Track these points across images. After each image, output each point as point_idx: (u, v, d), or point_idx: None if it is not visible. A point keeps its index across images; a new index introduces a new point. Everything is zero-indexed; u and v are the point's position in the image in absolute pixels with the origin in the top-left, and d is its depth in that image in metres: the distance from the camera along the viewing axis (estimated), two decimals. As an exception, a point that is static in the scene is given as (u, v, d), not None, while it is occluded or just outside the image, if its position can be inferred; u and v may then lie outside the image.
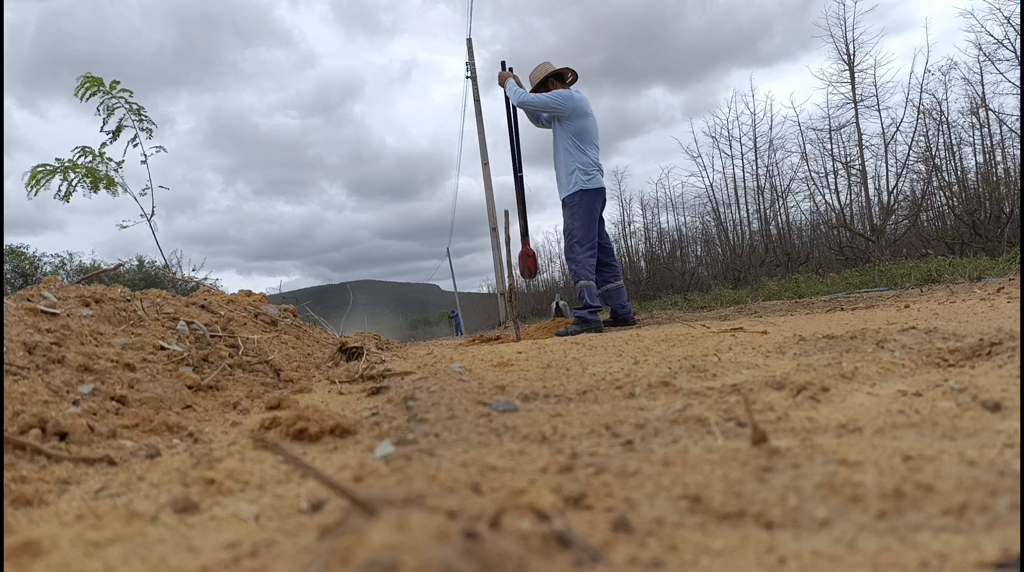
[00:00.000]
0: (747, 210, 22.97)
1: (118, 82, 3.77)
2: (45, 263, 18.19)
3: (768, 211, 20.43)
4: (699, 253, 27.50)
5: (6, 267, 16.76)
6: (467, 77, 16.80)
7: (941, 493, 0.66)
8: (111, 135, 3.80)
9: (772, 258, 17.68)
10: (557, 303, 6.69)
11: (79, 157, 3.62)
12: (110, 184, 3.61)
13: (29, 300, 1.69)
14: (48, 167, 3.50)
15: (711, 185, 22.91)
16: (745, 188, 22.71)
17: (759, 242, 21.01)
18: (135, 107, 3.73)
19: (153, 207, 3.79)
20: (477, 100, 16.30)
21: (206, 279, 25.12)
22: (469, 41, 17.36)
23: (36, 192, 3.37)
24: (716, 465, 0.82)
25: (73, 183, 3.50)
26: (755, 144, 20.51)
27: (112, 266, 21.08)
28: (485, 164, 15.14)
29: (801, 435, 1.00)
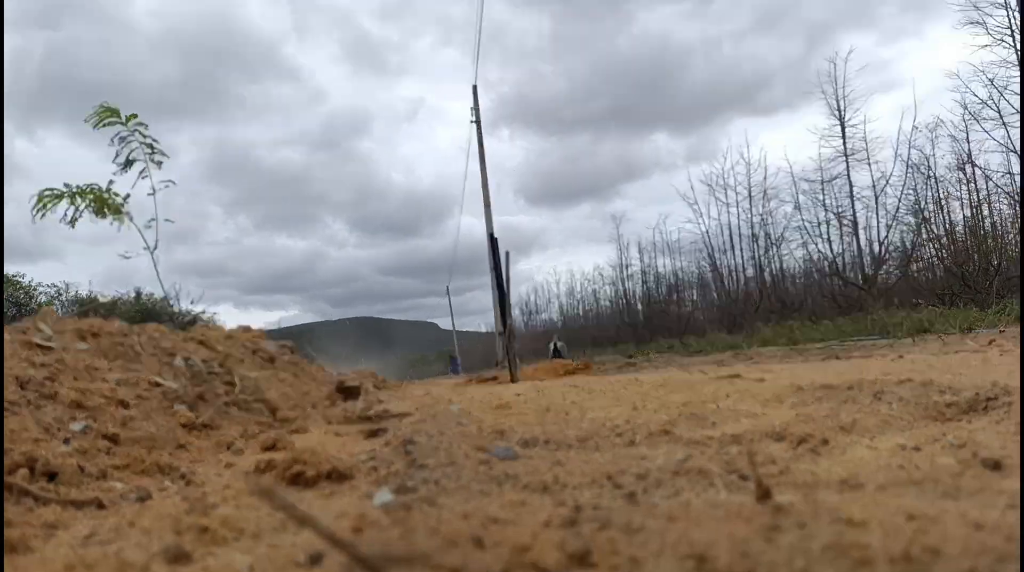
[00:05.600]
0: (742, 256, 23.18)
1: (135, 115, 3.80)
2: (40, 293, 18.03)
3: (763, 258, 20.64)
4: (695, 298, 27.64)
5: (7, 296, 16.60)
6: (472, 122, 17.12)
7: (949, 558, 0.65)
8: (123, 166, 3.82)
9: (767, 304, 17.79)
10: (555, 344, 6.58)
11: (88, 186, 3.63)
12: (116, 212, 3.61)
13: (24, 333, 1.67)
14: (55, 191, 3.51)
15: (707, 231, 23.19)
16: (740, 235, 22.96)
17: (754, 288, 21.15)
18: (149, 140, 3.77)
19: (157, 240, 3.80)
20: (481, 144, 16.55)
21: (203, 313, 25.00)
22: (475, 88, 17.79)
23: (42, 215, 3.37)
24: (721, 522, 0.81)
25: (80, 209, 3.50)
26: (750, 193, 20.86)
27: (110, 299, 20.96)
28: (487, 205, 15.32)
29: (804, 490, 0.99)
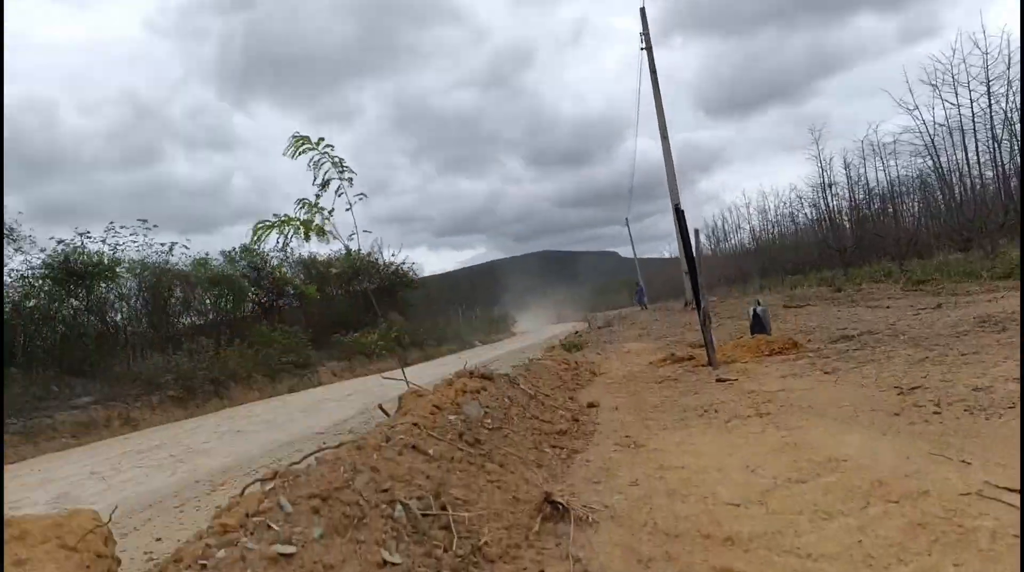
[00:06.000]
0: (978, 158, 19.76)
1: (323, 138, 4.21)
2: (272, 257, 20.57)
3: (1008, 163, 17.36)
4: (915, 211, 24.22)
5: (242, 263, 19.24)
6: (641, 48, 16.19)
7: None
8: (321, 187, 4.27)
9: (1014, 218, 14.97)
10: (755, 310, 5.94)
11: (299, 209, 4.13)
12: (321, 233, 4.06)
13: (262, 512, 1.58)
14: (267, 222, 4.00)
15: (929, 125, 19.79)
16: (974, 131, 19.49)
17: (994, 197, 17.93)
18: (336, 160, 4.17)
19: (359, 247, 4.24)
20: (653, 71, 15.67)
21: (403, 264, 27.29)
22: (642, 10, 16.66)
23: (259, 245, 3.89)
24: None
25: (289, 235, 3.99)
26: (988, 84, 17.42)
27: (326, 258, 23.62)
28: (665, 138, 14.59)
29: None
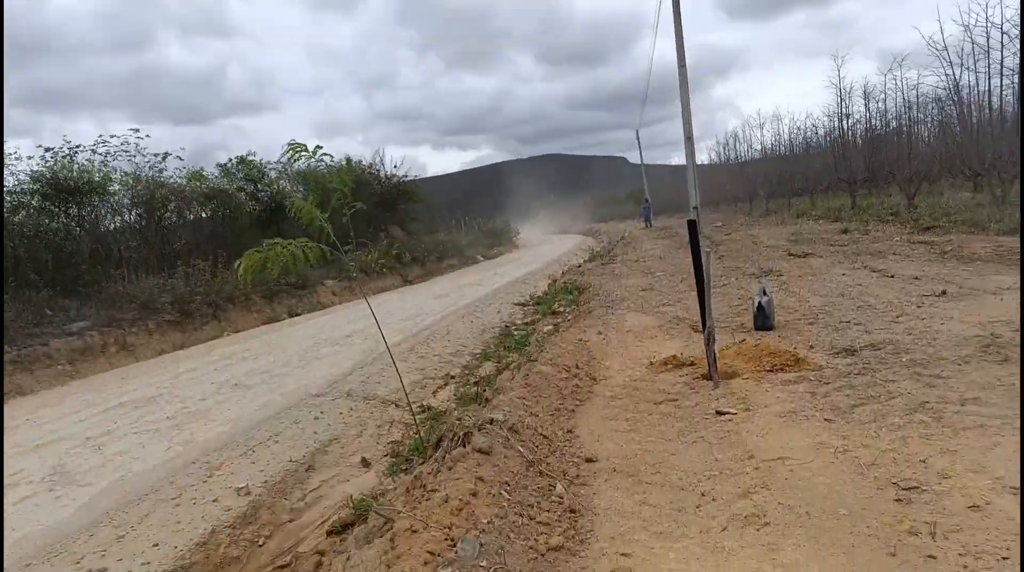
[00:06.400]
0: (1000, 87, 18.94)
1: (320, 146, 4.06)
2: (271, 169, 20.16)
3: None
4: (929, 138, 23.45)
5: (239, 176, 18.88)
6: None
7: None
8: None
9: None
10: (760, 301, 5.75)
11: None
12: (294, 261, 3.97)
13: None
14: (255, 252, 3.88)
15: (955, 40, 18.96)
16: (987, 50, 18.52)
17: (1012, 125, 17.21)
18: (333, 163, 4.10)
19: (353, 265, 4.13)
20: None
21: (406, 176, 26.71)
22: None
23: (250, 277, 3.80)
24: None
25: (279, 262, 3.89)
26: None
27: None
28: (682, 66, 13.78)
29: None
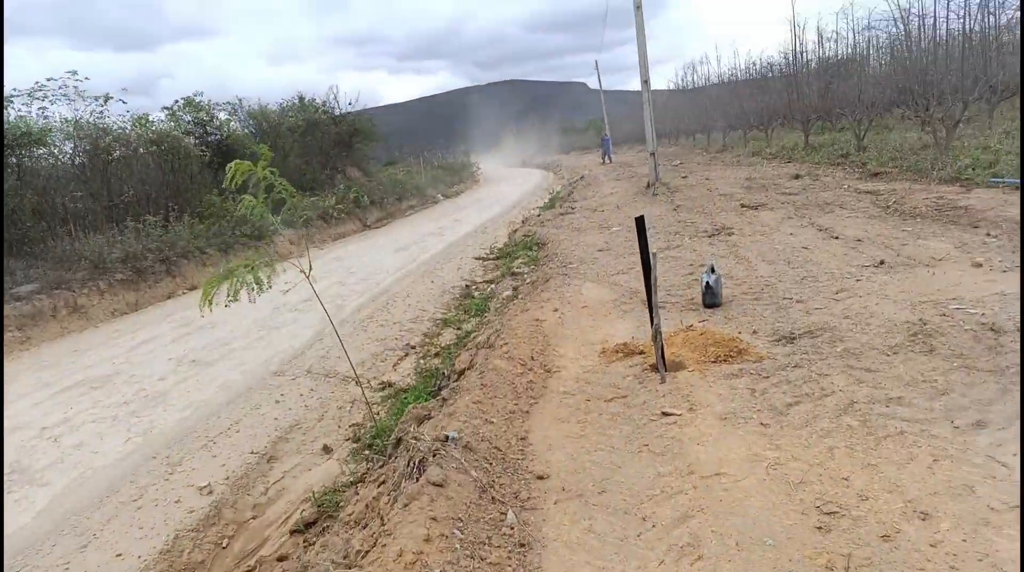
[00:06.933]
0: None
1: (267, 164, 4.01)
2: (219, 109, 19.32)
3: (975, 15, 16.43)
4: (880, 67, 23.56)
5: (186, 119, 18.11)
6: None
7: None
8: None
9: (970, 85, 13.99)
10: (707, 282, 5.92)
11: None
12: (258, 284, 4.00)
13: None
14: (215, 277, 3.86)
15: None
16: None
17: (959, 57, 17.01)
18: (278, 181, 4.10)
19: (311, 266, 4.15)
20: None
21: (362, 113, 25.83)
22: None
23: (210, 305, 3.78)
24: None
25: (237, 286, 3.89)
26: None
27: (279, 109, 22.10)
28: (638, 7, 13.43)
29: None
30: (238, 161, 4.08)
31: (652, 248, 4.06)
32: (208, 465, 4.85)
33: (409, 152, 37.58)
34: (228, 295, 3.82)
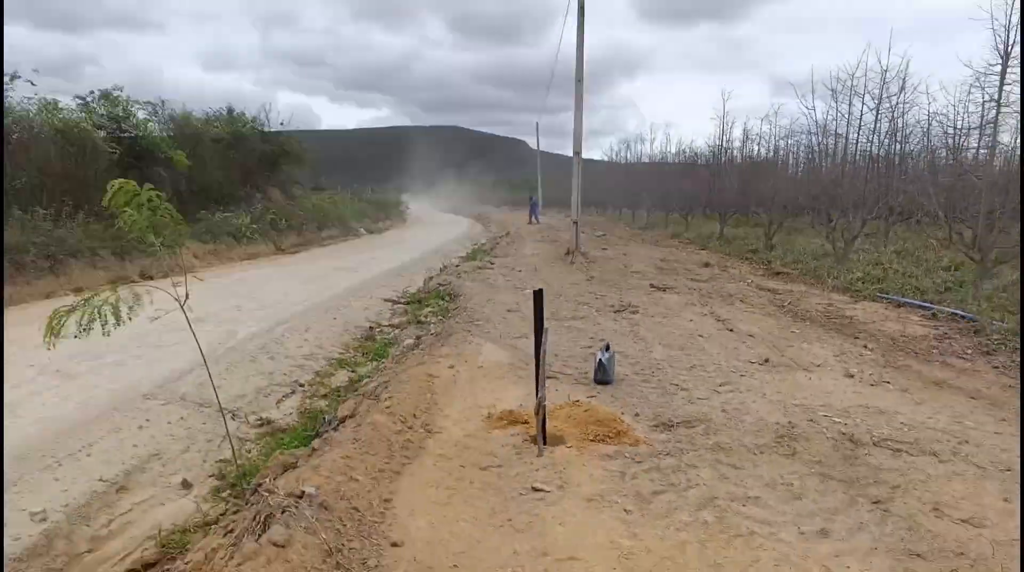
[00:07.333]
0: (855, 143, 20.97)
1: (151, 192, 3.92)
2: (137, 109, 18.48)
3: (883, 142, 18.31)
4: (796, 170, 25.62)
5: (100, 113, 17.25)
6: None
7: None
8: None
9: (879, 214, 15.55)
10: (601, 358, 6.09)
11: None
12: (115, 315, 3.80)
13: None
14: (65, 307, 3.66)
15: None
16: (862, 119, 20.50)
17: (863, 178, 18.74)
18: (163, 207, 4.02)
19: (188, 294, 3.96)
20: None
21: (292, 135, 25.39)
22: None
23: (53, 343, 3.55)
24: None
25: (90, 317, 3.68)
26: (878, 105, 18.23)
27: (204, 119, 21.39)
28: (579, 81, 14.05)
29: None
30: (122, 180, 3.88)
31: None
32: (48, 488, 4.42)
33: (340, 181, 37.13)
34: (79, 326, 3.56)
